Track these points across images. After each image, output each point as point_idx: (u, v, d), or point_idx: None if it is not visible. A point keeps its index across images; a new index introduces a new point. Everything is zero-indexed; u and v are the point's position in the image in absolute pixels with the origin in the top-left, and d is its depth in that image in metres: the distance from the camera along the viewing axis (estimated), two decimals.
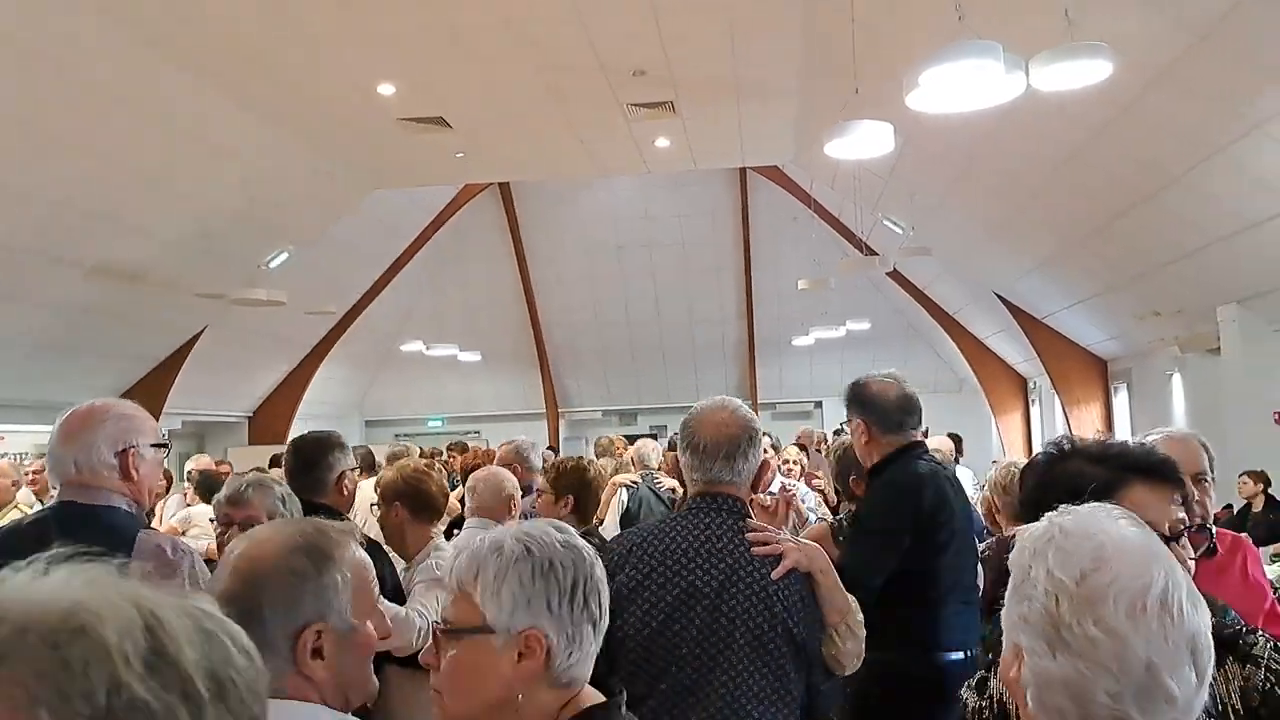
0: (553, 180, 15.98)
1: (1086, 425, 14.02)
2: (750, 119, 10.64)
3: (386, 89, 9.05)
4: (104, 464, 2.31)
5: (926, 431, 3.50)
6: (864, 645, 2.41)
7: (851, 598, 2.42)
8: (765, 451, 2.71)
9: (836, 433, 8.18)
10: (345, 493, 3.40)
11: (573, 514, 3.70)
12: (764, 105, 10.13)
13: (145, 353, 13.10)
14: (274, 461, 5.68)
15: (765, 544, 2.32)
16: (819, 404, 19.82)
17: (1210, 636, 1.15)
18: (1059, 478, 1.70)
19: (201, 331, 13.32)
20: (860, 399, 3.24)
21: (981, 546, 3.50)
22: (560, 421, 20.55)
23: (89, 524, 2.24)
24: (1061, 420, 14.44)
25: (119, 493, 2.33)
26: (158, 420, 13.24)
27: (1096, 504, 1.27)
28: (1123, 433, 13.80)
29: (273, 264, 12.27)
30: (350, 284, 16.05)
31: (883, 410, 3.20)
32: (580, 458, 4.07)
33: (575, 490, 3.76)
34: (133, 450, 2.34)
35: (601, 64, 8.63)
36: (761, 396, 19.07)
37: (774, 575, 2.28)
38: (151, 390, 13.30)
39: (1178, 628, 1.11)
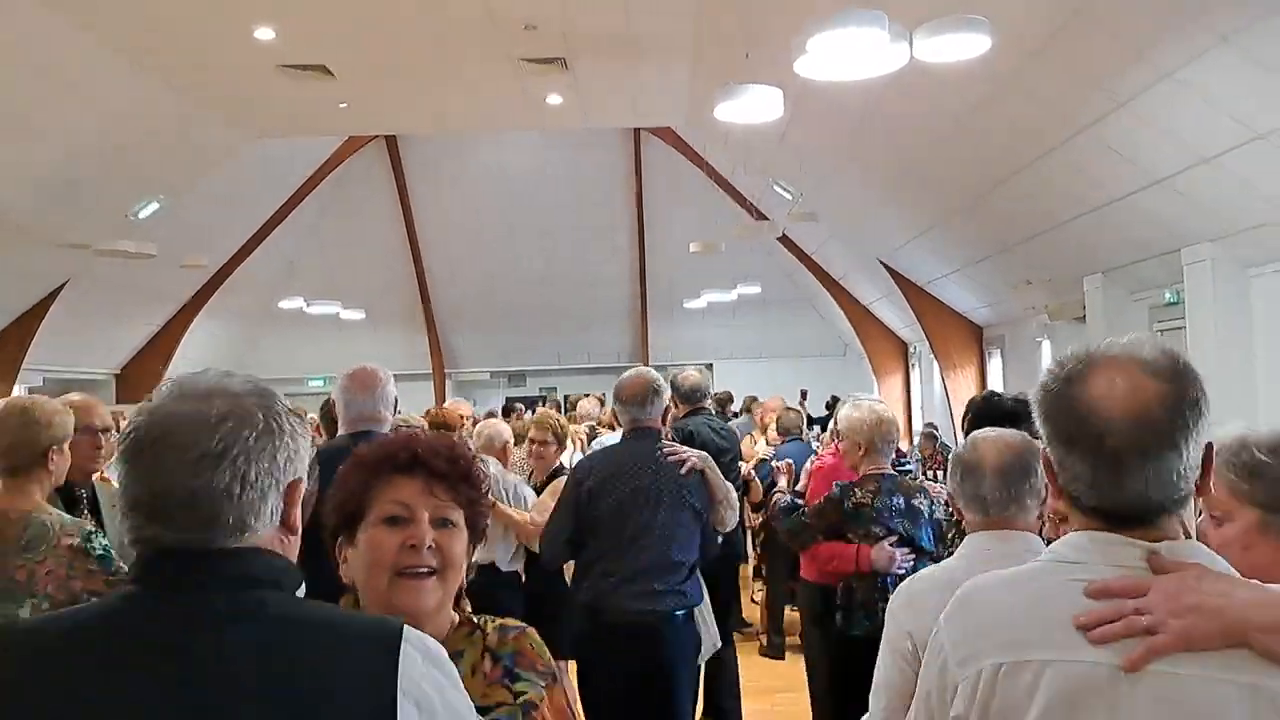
0: (442, 134, 15.64)
1: (962, 389, 14.48)
2: (643, 79, 10.56)
3: (265, 33, 8.66)
4: (388, 409, 3.51)
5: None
6: (736, 514, 4.03)
7: (728, 484, 3.96)
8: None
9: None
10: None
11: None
12: (657, 65, 10.06)
13: (3, 305, 12.41)
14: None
15: (673, 454, 3.82)
16: (710, 365, 20.02)
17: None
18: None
19: (65, 284, 12.67)
20: (671, 385, 4.98)
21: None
22: (446, 383, 20.27)
23: None
24: (939, 384, 14.86)
25: (387, 425, 3.50)
26: (17, 376, 12.63)
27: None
28: None
29: (142, 214, 11.72)
30: (227, 236, 15.44)
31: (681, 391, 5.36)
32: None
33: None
34: (396, 399, 3.58)
35: (492, 15, 8.43)
36: (654, 359, 19.10)
37: (681, 472, 3.78)
38: (10, 344, 12.63)
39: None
